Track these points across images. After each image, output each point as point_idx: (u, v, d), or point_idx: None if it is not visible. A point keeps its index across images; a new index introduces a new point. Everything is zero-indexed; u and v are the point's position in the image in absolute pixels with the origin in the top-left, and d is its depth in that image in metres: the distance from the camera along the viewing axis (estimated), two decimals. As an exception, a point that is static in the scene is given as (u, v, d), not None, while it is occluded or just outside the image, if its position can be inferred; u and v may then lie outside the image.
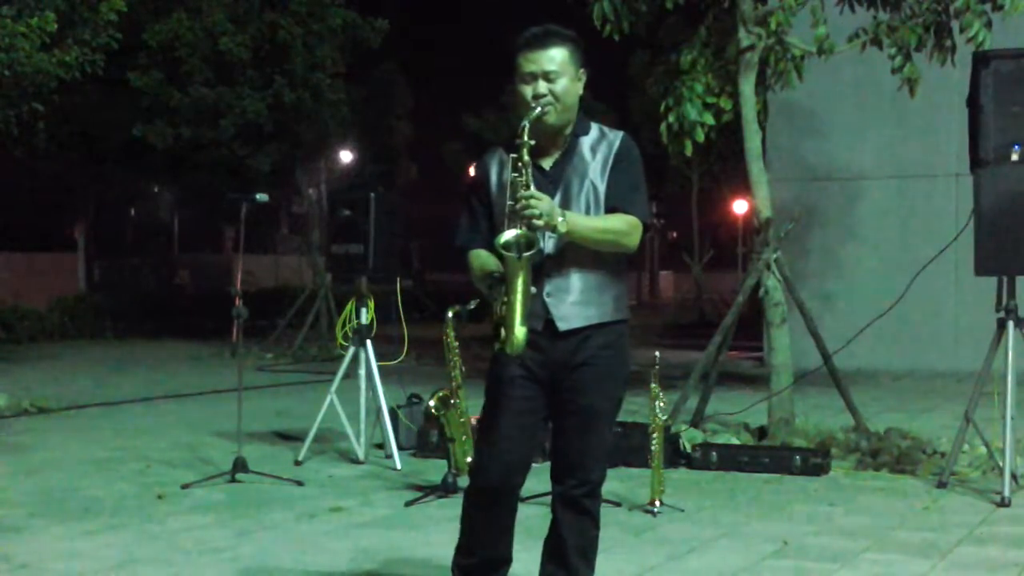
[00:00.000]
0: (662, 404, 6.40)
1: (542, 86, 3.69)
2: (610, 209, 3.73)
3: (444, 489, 6.58)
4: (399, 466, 7.56)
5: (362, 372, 7.85)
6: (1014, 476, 6.62)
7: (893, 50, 8.49)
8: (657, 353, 6.44)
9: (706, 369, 8.90)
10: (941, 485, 6.89)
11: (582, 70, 3.78)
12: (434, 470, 7.19)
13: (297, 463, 7.71)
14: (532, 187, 3.58)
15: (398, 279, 7.80)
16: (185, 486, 6.90)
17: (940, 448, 7.81)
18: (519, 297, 3.55)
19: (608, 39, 8.93)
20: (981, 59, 6.92)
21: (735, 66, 8.69)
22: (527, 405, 3.78)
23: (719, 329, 8.91)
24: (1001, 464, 6.63)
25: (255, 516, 6.22)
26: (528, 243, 3.55)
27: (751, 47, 8.50)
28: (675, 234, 52.48)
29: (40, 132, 14.74)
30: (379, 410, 7.82)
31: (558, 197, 3.69)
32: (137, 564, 5.23)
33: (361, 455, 7.80)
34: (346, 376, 7.94)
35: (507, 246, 3.54)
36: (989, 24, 8.19)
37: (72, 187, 27.83)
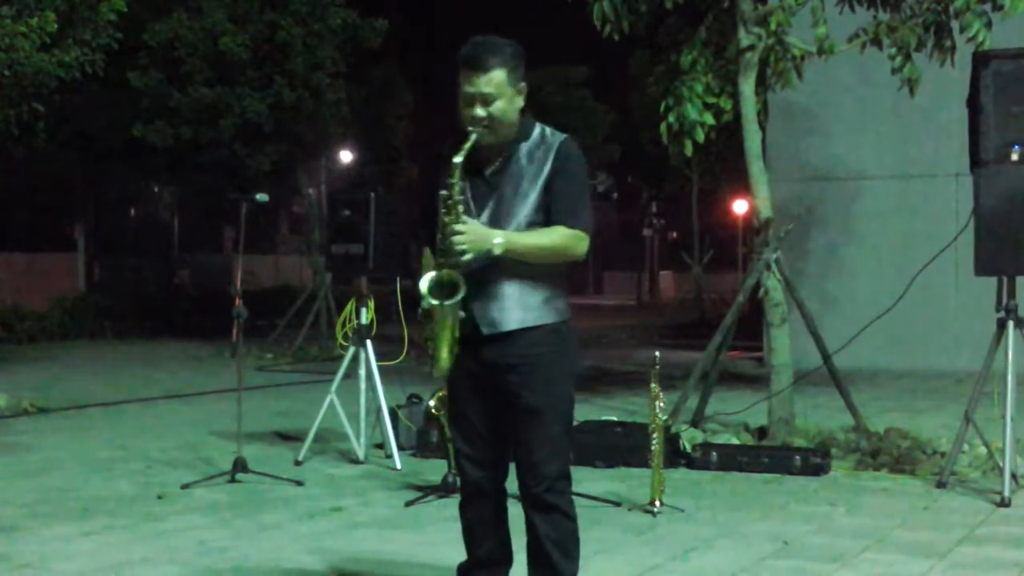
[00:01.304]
0: (662, 404, 6.39)
1: (479, 110, 3.70)
2: (553, 224, 3.73)
3: (444, 489, 6.58)
4: (399, 466, 7.56)
5: (362, 372, 7.86)
6: (1014, 476, 6.62)
7: (893, 50, 8.49)
8: (657, 353, 6.44)
9: (706, 369, 8.91)
10: (941, 485, 6.89)
11: (522, 84, 3.78)
12: (434, 470, 7.19)
13: (297, 463, 7.72)
14: (460, 222, 3.61)
15: (398, 279, 7.80)
16: (185, 486, 6.90)
17: (940, 448, 7.81)
18: (446, 335, 3.69)
19: (608, 39, 8.93)
20: (981, 59, 6.92)
21: (735, 66, 8.69)
22: (473, 409, 3.89)
23: (719, 329, 8.91)
24: (1001, 464, 6.63)
25: (255, 516, 6.23)
26: (452, 287, 3.64)
27: (751, 47, 8.50)
28: (675, 234, 52.50)
29: (40, 132, 14.72)
30: (379, 410, 7.83)
31: (492, 204, 3.74)
32: (137, 564, 5.23)
33: (361, 455, 7.80)
34: (346, 376, 7.94)
35: (431, 290, 3.67)
36: (989, 24, 8.19)
37: (72, 187, 27.82)
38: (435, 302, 3.66)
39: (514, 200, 3.74)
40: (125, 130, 18.92)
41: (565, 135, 3.84)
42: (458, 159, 3.66)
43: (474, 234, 3.62)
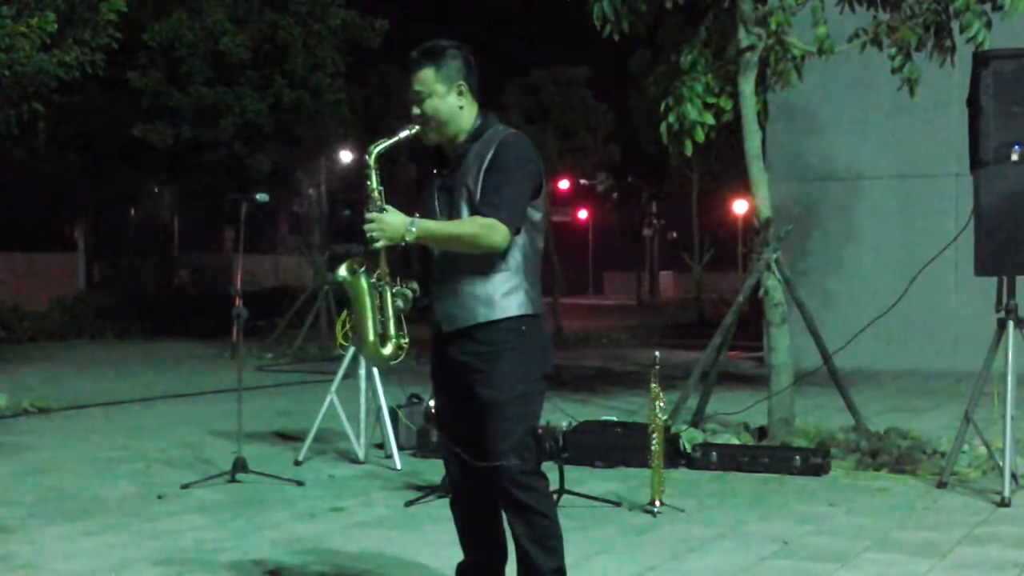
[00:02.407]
0: (662, 404, 6.39)
1: (415, 108, 3.85)
2: (476, 213, 3.78)
3: (444, 489, 6.56)
4: (399, 466, 7.56)
5: (362, 372, 7.87)
6: (1014, 476, 6.62)
7: (893, 50, 8.50)
8: (657, 353, 6.44)
9: (706, 369, 8.91)
10: (941, 485, 6.89)
11: (460, 83, 3.85)
12: (434, 470, 7.18)
13: (297, 463, 7.72)
14: (379, 210, 3.73)
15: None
16: (185, 486, 6.90)
17: (940, 448, 7.81)
18: (367, 313, 3.87)
19: (608, 39, 8.92)
20: (981, 59, 6.92)
21: (735, 66, 8.69)
22: (450, 405, 3.99)
23: (719, 329, 8.91)
24: (1001, 464, 6.63)
25: (255, 516, 6.23)
26: (359, 264, 3.91)
27: (751, 47, 8.50)
28: (675, 234, 52.45)
29: (40, 132, 14.72)
30: (379, 410, 7.83)
31: (449, 203, 3.85)
32: (137, 564, 5.23)
33: (361, 455, 7.81)
34: (346, 376, 7.95)
35: (345, 279, 3.89)
36: (989, 24, 8.19)
37: (72, 187, 27.81)
38: (348, 276, 3.86)
39: (460, 197, 3.83)
40: (125, 130, 18.90)
41: (512, 131, 3.89)
42: (372, 149, 3.82)
43: (385, 223, 3.70)
